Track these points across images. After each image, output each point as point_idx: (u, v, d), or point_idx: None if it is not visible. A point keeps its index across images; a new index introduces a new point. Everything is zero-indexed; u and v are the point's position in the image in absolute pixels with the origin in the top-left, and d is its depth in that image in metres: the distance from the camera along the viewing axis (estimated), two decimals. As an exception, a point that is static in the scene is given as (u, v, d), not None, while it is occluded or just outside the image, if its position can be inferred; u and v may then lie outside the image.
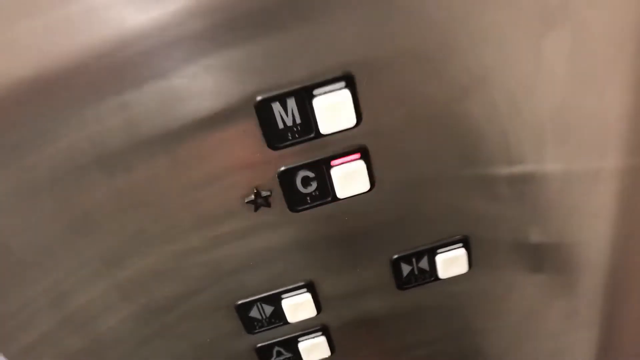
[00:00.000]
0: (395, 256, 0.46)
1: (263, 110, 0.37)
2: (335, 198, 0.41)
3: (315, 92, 0.37)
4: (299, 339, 0.50)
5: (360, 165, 0.40)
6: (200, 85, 0.36)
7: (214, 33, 0.34)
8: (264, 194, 0.40)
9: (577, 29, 0.37)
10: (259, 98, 0.36)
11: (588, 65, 0.39)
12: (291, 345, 0.50)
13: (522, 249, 0.49)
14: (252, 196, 0.40)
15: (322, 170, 0.40)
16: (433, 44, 0.37)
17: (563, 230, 0.49)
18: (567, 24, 0.37)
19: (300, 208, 0.42)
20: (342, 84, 0.37)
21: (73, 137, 0.36)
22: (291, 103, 0.37)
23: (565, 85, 0.39)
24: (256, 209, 0.41)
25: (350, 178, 0.41)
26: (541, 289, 0.53)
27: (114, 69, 0.34)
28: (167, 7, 0.33)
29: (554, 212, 0.47)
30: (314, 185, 0.41)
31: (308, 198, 0.41)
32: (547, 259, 0.50)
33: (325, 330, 0.50)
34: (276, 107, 0.37)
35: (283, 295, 0.46)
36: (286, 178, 0.40)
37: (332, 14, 0.35)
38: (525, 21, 0.36)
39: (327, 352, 0.51)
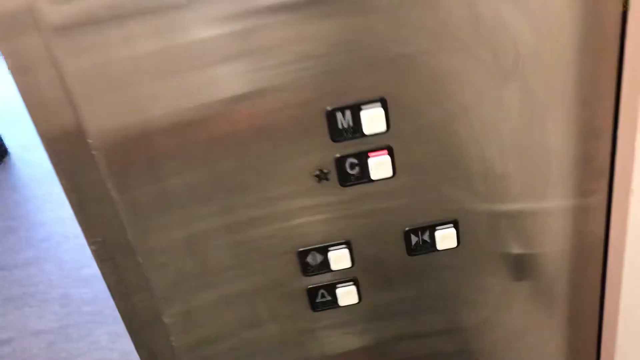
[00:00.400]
0: (407, 228, 0.69)
1: (330, 116, 0.62)
2: (370, 179, 0.65)
3: (362, 107, 0.61)
4: (337, 286, 0.72)
5: (387, 158, 0.64)
6: (293, 99, 0.61)
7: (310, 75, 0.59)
8: (325, 171, 0.65)
9: (525, 83, 0.61)
10: (328, 108, 0.61)
11: (533, 108, 0.63)
12: (331, 290, 0.72)
13: (496, 240, 0.71)
14: (318, 172, 0.65)
15: (363, 158, 0.64)
16: (435, 86, 0.61)
17: (526, 235, 0.71)
18: (517, 79, 0.61)
19: (347, 184, 0.65)
20: (379, 104, 0.61)
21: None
22: (347, 113, 0.62)
23: (518, 121, 0.63)
24: (319, 181, 0.65)
25: (380, 166, 0.64)
26: (511, 274, 0.74)
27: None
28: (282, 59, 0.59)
29: (519, 220, 0.70)
30: (357, 169, 0.65)
31: (352, 177, 0.65)
32: (514, 252, 0.72)
33: (355, 282, 0.72)
34: (338, 115, 0.62)
35: (329, 248, 0.69)
36: (340, 162, 0.64)
37: (374, 66, 0.60)
38: (491, 76, 0.61)
39: (356, 299, 0.73)
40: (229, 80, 0.59)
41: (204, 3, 0.54)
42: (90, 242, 0.66)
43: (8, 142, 3.02)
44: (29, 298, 2.11)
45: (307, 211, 0.67)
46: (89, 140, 0.60)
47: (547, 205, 0.69)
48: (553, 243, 0.73)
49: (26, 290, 2.15)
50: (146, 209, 0.64)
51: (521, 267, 0.74)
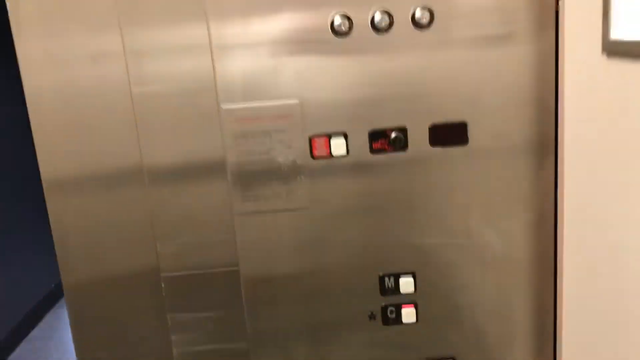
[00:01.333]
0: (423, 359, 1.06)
1: (381, 279, 1.02)
2: (402, 322, 1.04)
3: (401, 276, 1.02)
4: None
5: (413, 310, 1.03)
6: (360, 266, 1.02)
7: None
8: (374, 313, 1.04)
9: (498, 274, 1.02)
10: (380, 274, 1.02)
11: (502, 292, 1.03)
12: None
13: None
14: (370, 313, 1.03)
15: (398, 308, 1.03)
16: (445, 268, 1.02)
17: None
18: (493, 271, 1.02)
19: (387, 324, 1.04)
20: (411, 275, 1.02)
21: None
22: (391, 279, 1.02)
23: (494, 300, 1.03)
24: (370, 319, 1.04)
25: (409, 315, 1.03)
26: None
27: (335, 254, 1.02)
28: (359, 237, 1.01)
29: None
30: (394, 314, 1.03)
31: (391, 320, 1.03)
32: None
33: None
34: (386, 279, 1.02)
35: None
36: (384, 309, 1.03)
37: (409, 252, 1.01)
38: (477, 265, 1.02)
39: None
40: (321, 250, 1.01)
41: (321, 204, 0.98)
42: None
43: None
44: None
45: (360, 340, 1.05)
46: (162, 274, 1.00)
47: None
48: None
49: (71, 418, 2.42)
50: (265, 328, 1.03)
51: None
